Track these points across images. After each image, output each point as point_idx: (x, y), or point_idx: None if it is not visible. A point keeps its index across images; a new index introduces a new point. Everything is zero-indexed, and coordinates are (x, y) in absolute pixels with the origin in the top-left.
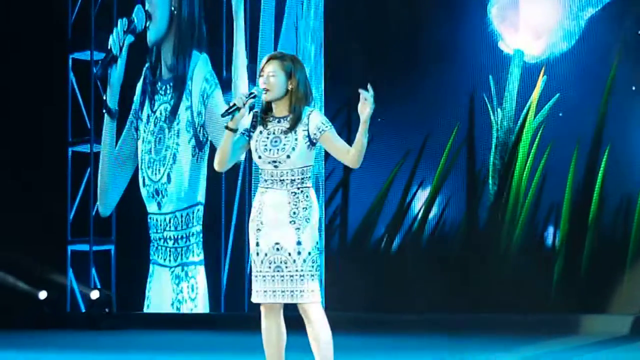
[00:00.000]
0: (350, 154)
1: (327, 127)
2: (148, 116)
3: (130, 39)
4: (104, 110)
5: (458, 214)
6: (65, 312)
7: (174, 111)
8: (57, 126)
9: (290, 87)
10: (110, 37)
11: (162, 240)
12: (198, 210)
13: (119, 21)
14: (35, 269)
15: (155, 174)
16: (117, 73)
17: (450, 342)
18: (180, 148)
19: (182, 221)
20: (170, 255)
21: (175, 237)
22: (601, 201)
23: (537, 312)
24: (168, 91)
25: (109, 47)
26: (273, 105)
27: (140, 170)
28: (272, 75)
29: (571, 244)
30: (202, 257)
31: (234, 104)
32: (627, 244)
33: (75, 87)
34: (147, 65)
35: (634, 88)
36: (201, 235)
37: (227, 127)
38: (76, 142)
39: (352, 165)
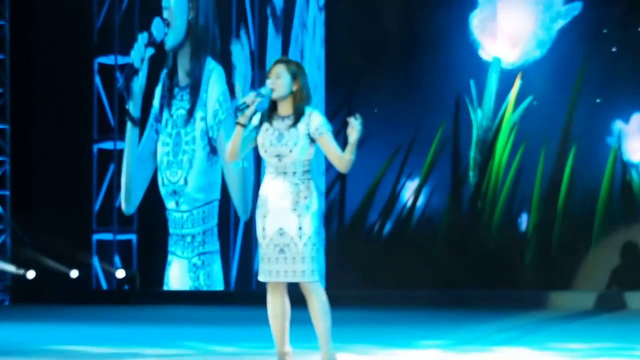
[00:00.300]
0: (340, 161)
1: (325, 130)
2: (167, 120)
3: (150, 51)
4: (127, 119)
5: (442, 202)
6: (95, 288)
7: (190, 117)
8: (84, 124)
9: (294, 88)
10: (132, 51)
11: (181, 236)
12: (214, 206)
13: (139, 36)
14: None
15: (174, 176)
16: (138, 84)
17: (436, 314)
18: (196, 154)
19: (199, 217)
20: (187, 248)
21: (193, 233)
22: (569, 192)
23: (511, 289)
24: (184, 97)
25: (130, 61)
26: (278, 105)
27: (159, 171)
28: (279, 77)
29: (542, 229)
30: (217, 246)
31: (244, 102)
32: (591, 229)
33: (101, 88)
34: (164, 71)
35: (598, 100)
36: (217, 226)
37: (238, 123)
38: (101, 140)
39: (340, 170)
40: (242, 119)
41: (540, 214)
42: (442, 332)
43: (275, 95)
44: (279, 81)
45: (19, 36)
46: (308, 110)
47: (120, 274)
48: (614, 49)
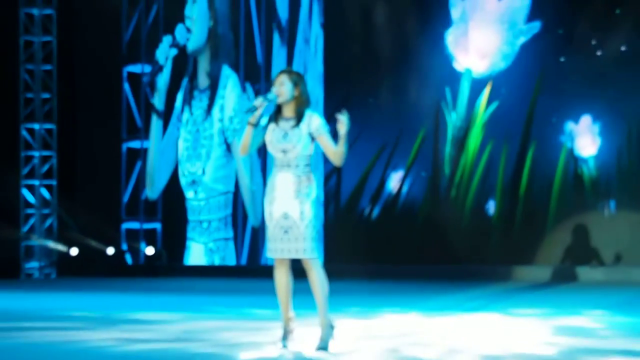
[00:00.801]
0: (335, 156)
1: (324, 131)
2: (187, 120)
3: (174, 52)
4: (152, 111)
5: (422, 190)
6: (128, 263)
7: (208, 116)
8: (114, 126)
9: (295, 94)
10: (157, 50)
11: (198, 222)
12: (229, 197)
13: (164, 38)
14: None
15: (193, 166)
16: (163, 79)
17: (417, 285)
18: (213, 149)
19: (215, 206)
20: (204, 234)
21: (209, 219)
22: (529, 182)
23: (480, 264)
24: (203, 99)
25: (155, 59)
26: (283, 108)
27: (179, 164)
28: (282, 85)
29: (506, 214)
30: (231, 234)
31: (254, 105)
32: (547, 213)
33: (129, 94)
34: (186, 77)
35: (553, 120)
36: (231, 216)
37: (248, 123)
38: (129, 139)
39: (335, 164)
40: (252, 120)
41: (505, 200)
42: (421, 299)
43: (279, 100)
44: (283, 88)
45: (64, 50)
46: (308, 112)
47: (150, 251)
48: (562, 59)
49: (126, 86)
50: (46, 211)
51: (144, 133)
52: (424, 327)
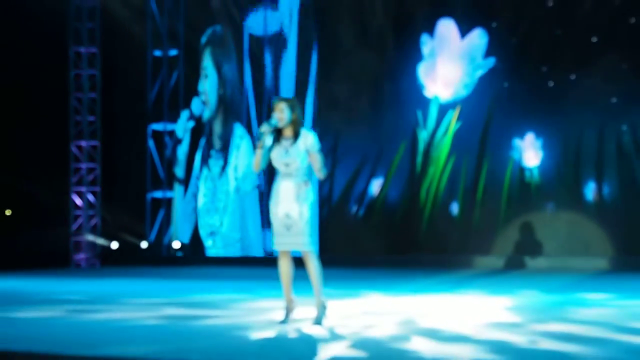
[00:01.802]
0: (319, 173)
1: (315, 150)
2: (206, 177)
3: (191, 124)
4: (175, 180)
5: (398, 194)
6: (158, 255)
7: (223, 174)
8: (139, 177)
9: (293, 117)
10: (176, 126)
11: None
12: (243, 244)
13: (182, 112)
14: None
15: (211, 218)
16: (182, 150)
17: (394, 271)
18: (229, 205)
19: (231, 251)
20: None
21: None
22: (485, 188)
23: (446, 254)
24: (219, 158)
25: (175, 134)
26: (283, 130)
27: (199, 215)
28: (281, 112)
29: (466, 213)
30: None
31: (262, 132)
32: (500, 212)
33: (153, 149)
34: (203, 138)
35: (504, 137)
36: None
37: (257, 147)
38: (153, 189)
39: (319, 178)
40: (259, 143)
41: (466, 202)
42: (398, 283)
43: (280, 125)
44: (282, 114)
45: (106, 81)
46: (304, 131)
47: (177, 245)
48: (511, 87)
49: (151, 142)
50: (91, 212)
51: (166, 185)
52: (410, 305)
